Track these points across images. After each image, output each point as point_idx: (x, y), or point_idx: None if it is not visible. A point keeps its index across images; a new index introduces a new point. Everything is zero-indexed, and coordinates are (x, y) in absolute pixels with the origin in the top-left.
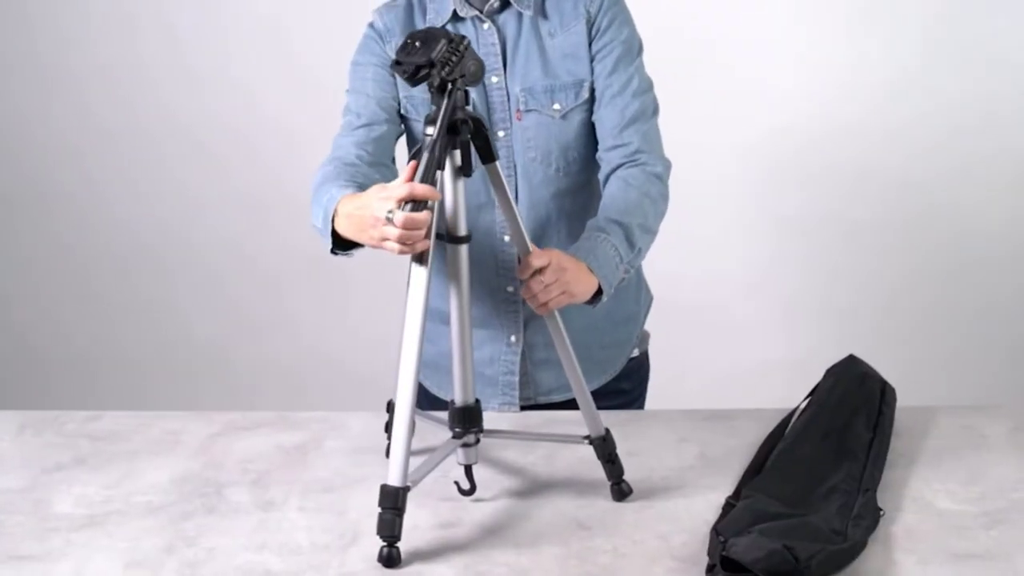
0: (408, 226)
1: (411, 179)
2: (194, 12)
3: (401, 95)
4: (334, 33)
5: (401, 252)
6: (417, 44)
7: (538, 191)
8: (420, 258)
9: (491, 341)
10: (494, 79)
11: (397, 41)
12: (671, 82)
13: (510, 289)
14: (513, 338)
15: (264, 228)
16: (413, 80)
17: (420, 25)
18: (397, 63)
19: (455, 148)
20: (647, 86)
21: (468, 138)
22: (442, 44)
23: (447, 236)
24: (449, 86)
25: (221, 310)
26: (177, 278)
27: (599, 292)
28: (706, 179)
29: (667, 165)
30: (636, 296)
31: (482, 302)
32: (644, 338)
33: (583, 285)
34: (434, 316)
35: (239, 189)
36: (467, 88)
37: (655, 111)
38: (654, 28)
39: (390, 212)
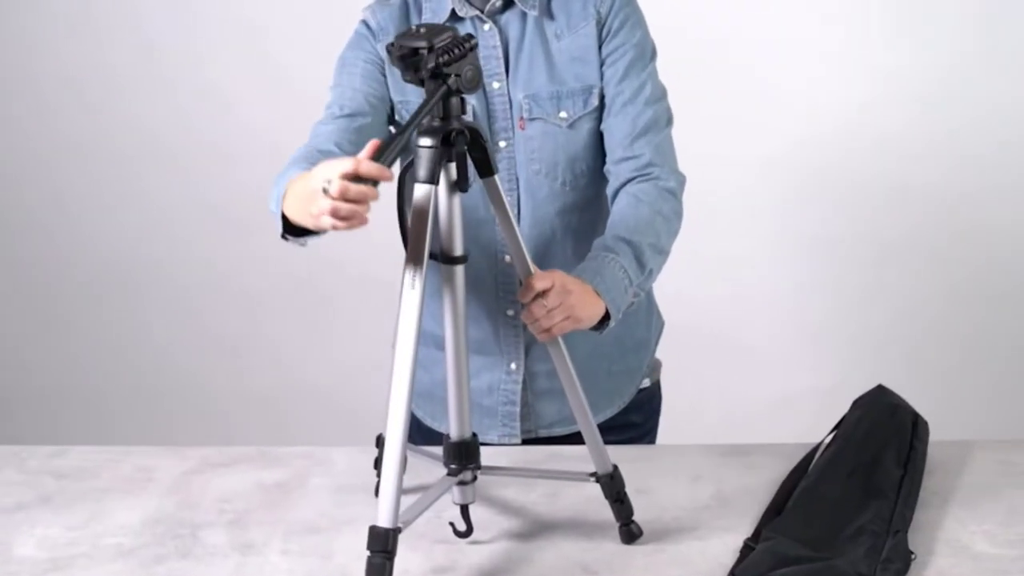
0: (342, 196)
1: (370, 157)
2: (165, 13)
3: (395, 99)
4: (316, 35)
5: (334, 227)
6: (421, 31)
7: (542, 207)
8: (412, 278)
9: (490, 368)
10: (495, 85)
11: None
12: (685, 87)
13: (510, 312)
14: (513, 365)
15: (241, 246)
16: (404, 63)
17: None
18: (392, 45)
19: (450, 161)
20: (660, 94)
21: (464, 150)
22: (447, 35)
23: (441, 256)
24: (444, 79)
25: (195, 335)
26: (148, 300)
27: (606, 317)
28: (724, 194)
29: (681, 180)
30: (647, 321)
31: (480, 326)
32: (655, 367)
33: (589, 309)
34: (428, 340)
35: (214, 204)
36: (463, 95)
37: (669, 121)
38: (666, 28)
39: (328, 182)
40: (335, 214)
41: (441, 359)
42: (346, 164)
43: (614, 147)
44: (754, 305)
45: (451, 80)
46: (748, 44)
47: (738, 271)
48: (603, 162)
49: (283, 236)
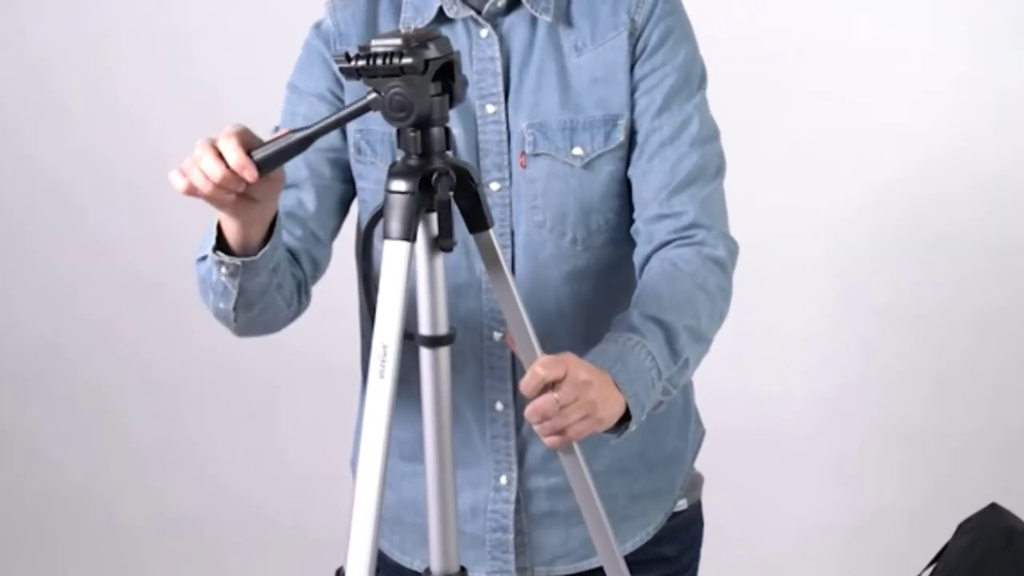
0: (195, 163)
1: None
2: (60, 20)
3: (352, 129)
4: (251, 45)
5: (184, 189)
6: (401, 31)
7: (545, 270)
8: (381, 368)
9: (473, 484)
10: (489, 108)
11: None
12: (734, 118)
13: (499, 406)
14: (504, 479)
15: (157, 320)
16: (350, 68)
17: (386, 27)
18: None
19: (430, 210)
20: (711, 133)
21: (449, 197)
22: (396, 43)
23: (419, 336)
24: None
25: (98, 440)
26: (38, 397)
27: (626, 417)
28: (780, 259)
29: (733, 249)
30: (681, 428)
31: (459, 427)
32: (694, 484)
33: (611, 407)
34: (393, 449)
35: (122, 265)
36: (447, 126)
37: (720, 170)
38: (709, 38)
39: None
40: (183, 172)
41: (411, 473)
42: (223, 135)
43: (647, 201)
44: (819, 401)
45: (370, 97)
46: (818, 60)
47: (798, 360)
48: (628, 217)
49: (215, 251)
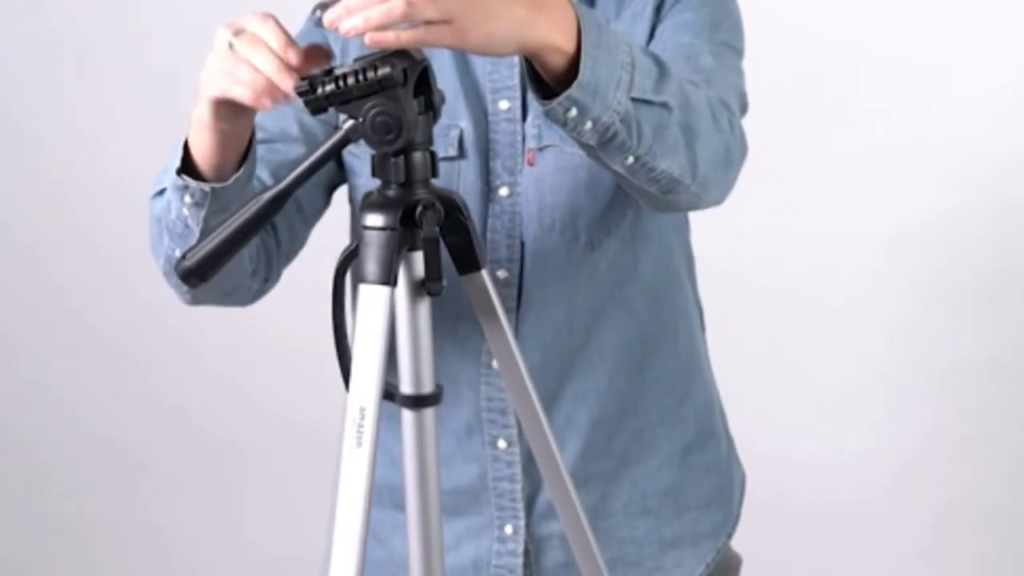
0: (253, 44)
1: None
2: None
3: (343, 117)
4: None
5: (252, 100)
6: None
7: (556, 281)
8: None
9: (474, 534)
10: (502, 105)
11: (354, 47)
12: (773, 141)
13: (501, 444)
14: (509, 528)
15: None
16: (317, 97)
17: None
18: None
19: (413, 248)
20: (735, 76)
21: (436, 233)
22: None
23: (399, 396)
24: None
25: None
26: None
27: (572, 71)
28: (825, 295)
29: (742, 104)
30: (725, 464)
31: (457, 471)
32: (730, 567)
33: (516, 18)
34: (383, 497)
35: (64, 309)
36: (431, 150)
37: (738, 79)
38: (755, 37)
39: (231, 41)
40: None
41: (404, 524)
42: (255, 19)
43: None
44: (879, 456)
45: (346, 125)
46: (875, 61)
47: (850, 411)
48: (648, 215)
49: (179, 174)
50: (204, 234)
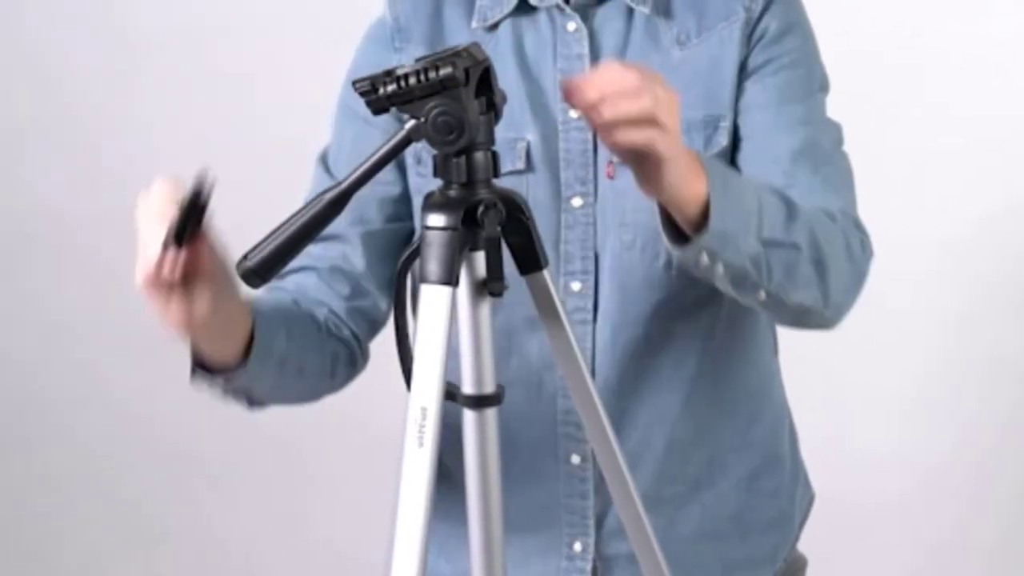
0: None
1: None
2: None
3: (408, 159)
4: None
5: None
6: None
7: (634, 301)
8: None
9: (542, 552)
10: (573, 114)
11: (413, 49)
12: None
13: (575, 460)
14: (578, 546)
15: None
16: (378, 97)
17: (453, 19)
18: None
19: (475, 248)
20: (834, 137)
21: (498, 233)
22: (430, 60)
23: (461, 396)
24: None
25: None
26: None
27: (703, 224)
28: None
29: (865, 231)
30: (789, 488)
31: (525, 488)
32: (797, 568)
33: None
34: (451, 512)
35: (97, 319)
36: (493, 150)
37: (839, 143)
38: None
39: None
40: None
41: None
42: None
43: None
44: (929, 462)
45: (408, 125)
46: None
47: (902, 410)
48: None
49: (194, 371)
50: (250, 396)
